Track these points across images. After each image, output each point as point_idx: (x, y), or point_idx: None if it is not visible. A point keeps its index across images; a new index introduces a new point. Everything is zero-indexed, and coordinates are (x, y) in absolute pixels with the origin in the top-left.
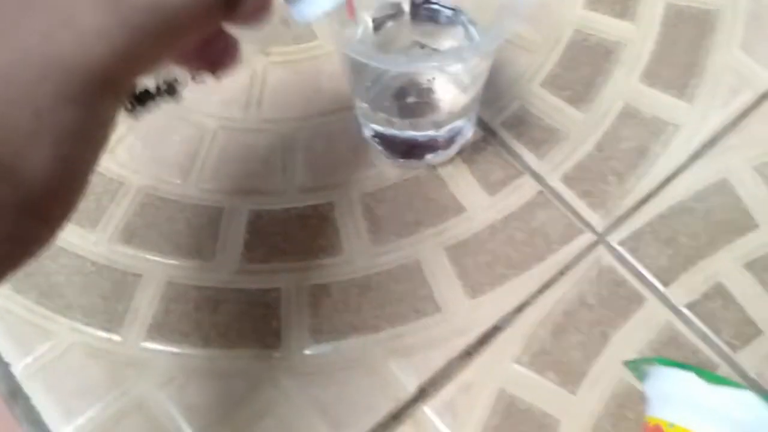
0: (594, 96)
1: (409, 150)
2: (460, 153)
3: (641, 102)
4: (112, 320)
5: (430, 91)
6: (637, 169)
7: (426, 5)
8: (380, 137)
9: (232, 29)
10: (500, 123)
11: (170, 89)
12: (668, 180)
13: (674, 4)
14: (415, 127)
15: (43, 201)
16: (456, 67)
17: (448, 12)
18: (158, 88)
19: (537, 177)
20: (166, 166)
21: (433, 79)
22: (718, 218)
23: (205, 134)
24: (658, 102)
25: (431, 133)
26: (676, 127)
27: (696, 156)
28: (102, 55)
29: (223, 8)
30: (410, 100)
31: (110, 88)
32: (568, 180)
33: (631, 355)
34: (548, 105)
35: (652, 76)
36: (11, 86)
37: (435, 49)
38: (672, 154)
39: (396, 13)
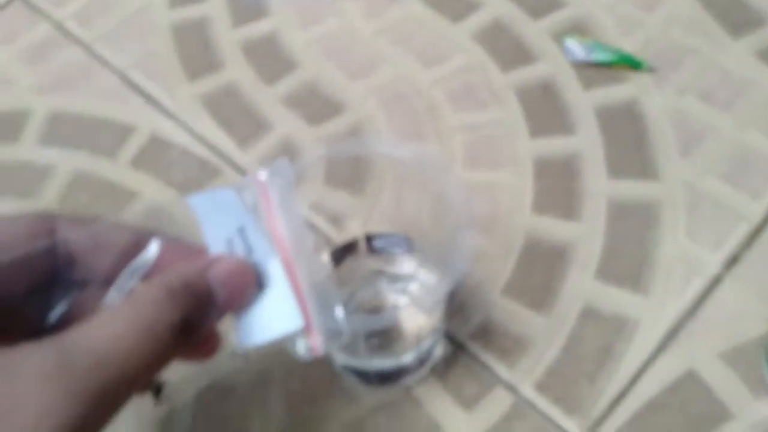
0: (553, 299)
1: (381, 378)
2: (432, 371)
3: (599, 300)
4: None
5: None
6: (605, 368)
7: (378, 238)
8: (351, 369)
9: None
10: (467, 335)
11: (156, 390)
12: (638, 376)
13: (616, 200)
14: (383, 358)
15: None
16: (418, 292)
17: (400, 240)
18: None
19: (510, 388)
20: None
21: (397, 303)
22: (694, 411)
23: (184, 380)
24: (615, 298)
25: (401, 360)
26: (637, 322)
27: (660, 349)
28: None
29: (174, 349)
30: (376, 341)
31: None
32: (541, 387)
33: None
34: (511, 313)
35: (605, 273)
36: None
37: (395, 275)
38: (637, 350)
39: (353, 247)
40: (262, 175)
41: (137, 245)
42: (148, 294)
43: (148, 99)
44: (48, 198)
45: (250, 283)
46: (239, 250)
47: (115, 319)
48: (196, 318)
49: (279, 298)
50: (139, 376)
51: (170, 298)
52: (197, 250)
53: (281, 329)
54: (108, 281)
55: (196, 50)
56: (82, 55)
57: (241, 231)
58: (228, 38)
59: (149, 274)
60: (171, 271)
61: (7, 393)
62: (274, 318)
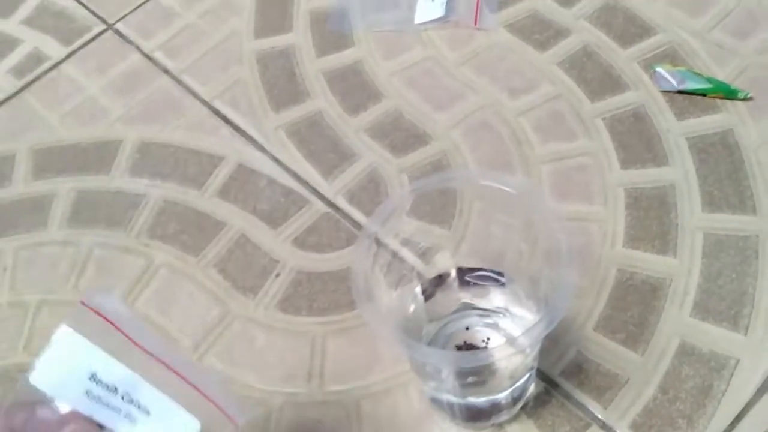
0: (649, 336)
1: (472, 414)
2: (524, 408)
3: (697, 337)
4: None
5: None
6: (704, 408)
7: (470, 272)
8: (442, 403)
9: None
10: (560, 372)
11: None
12: (740, 417)
13: (713, 234)
14: (477, 396)
15: None
16: (511, 328)
17: (492, 274)
18: None
19: (605, 427)
20: None
21: (488, 339)
22: None
23: (272, 412)
24: (714, 336)
25: (495, 398)
26: (737, 361)
27: (763, 389)
28: None
29: None
30: (470, 380)
31: None
32: (637, 427)
33: None
34: (605, 349)
35: (702, 309)
36: None
37: (485, 309)
38: (738, 390)
39: (443, 280)
40: (90, 301)
41: None
42: None
43: (235, 129)
44: (138, 226)
45: None
46: (102, 396)
47: None
48: None
49: (168, 412)
50: None
51: None
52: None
53: None
54: None
55: (281, 80)
56: (170, 85)
57: (94, 377)
58: (312, 68)
59: None
60: None
61: None
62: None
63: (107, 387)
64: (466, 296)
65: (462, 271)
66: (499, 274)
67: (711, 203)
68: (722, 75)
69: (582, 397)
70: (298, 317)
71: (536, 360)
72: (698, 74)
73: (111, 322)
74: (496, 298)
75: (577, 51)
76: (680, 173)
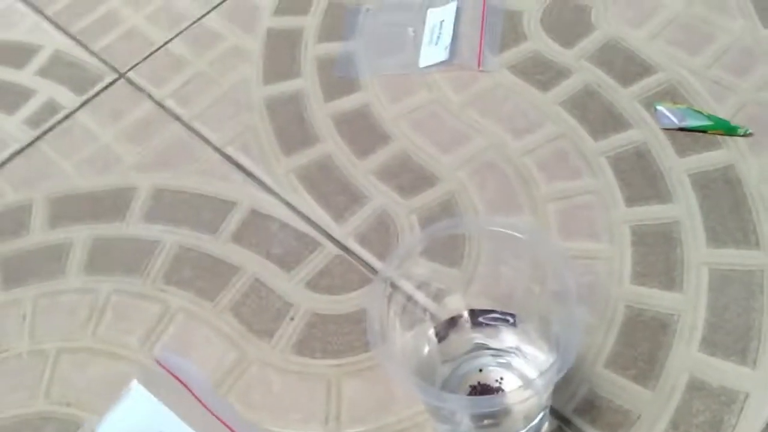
0: (659, 372)
1: None
2: None
3: (706, 372)
4: None
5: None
6: None
7: (482, 313)
8: None
9: None
10: (573, 410)
11: None
12: None
13: (718, 269)
14: None
15: None
16: (527, 371)
17: (503, 316)
18: None
19: None
20: None
21: (502, 379)
22: None
23: None
24: (723, 370)
25: None
26: (747, 395)
27: None
28: None
29: None
30: (486, 422)
31: None
32: None
33: None
34: (616, 386)
35: (710, 344)
36: None
37: (497, 349)
38: (748, 424)
39: (455, 321)
40: (164, 360)
41: None
42: None
43: (247, 174)
44: (154, 272)
45: None
46: None
47: None
48: None
49: None
50: None
51: None
52: None
53: None
54: None
55: (290, 125)
56: (182, 132)
57: None
58: (321, 112)
59: None
60: None
61: None
62: None
63: None
64: (478, 337)
65: (474, 313)
66: (511, 315)
67: (715, 239)
68: (722, 112)
69: None
70: (313, 360)
71: (550, 399)
72: (698, 111)
73: (183, 383)
74: (508, 338)
75: (579, 91)
76: (684, 209)
